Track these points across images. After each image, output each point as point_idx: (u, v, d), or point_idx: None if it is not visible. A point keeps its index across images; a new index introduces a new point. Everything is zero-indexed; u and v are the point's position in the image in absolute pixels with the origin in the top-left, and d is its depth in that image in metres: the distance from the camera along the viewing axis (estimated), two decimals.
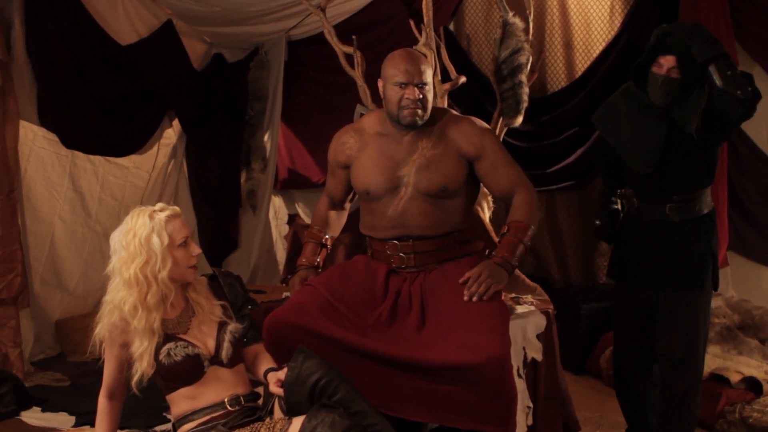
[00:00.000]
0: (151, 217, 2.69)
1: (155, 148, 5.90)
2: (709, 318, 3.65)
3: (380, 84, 3.13)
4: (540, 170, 5.61)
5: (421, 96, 3.05)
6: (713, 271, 3.52)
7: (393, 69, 3.08)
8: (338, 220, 3.50)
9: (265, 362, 2.86)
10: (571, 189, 5.68)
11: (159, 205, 2.75)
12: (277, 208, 6.51)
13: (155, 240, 2.65)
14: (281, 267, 6.18)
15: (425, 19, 4.41)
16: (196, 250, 2.77)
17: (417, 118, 3.07)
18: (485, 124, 3.21)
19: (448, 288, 3.00)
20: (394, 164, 3.10)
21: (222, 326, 2.81)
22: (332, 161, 3.33)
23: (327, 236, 3.42)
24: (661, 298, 3.51)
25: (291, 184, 6.42)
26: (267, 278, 6.29)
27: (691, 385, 3.50)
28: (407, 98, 3.04)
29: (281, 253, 6.39)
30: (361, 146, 3.19)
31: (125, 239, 2.68)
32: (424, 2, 4.48)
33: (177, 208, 2.77)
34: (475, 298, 2.90)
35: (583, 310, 5.13)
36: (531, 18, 4.65)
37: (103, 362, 2.77)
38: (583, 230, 5.71)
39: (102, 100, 5.29)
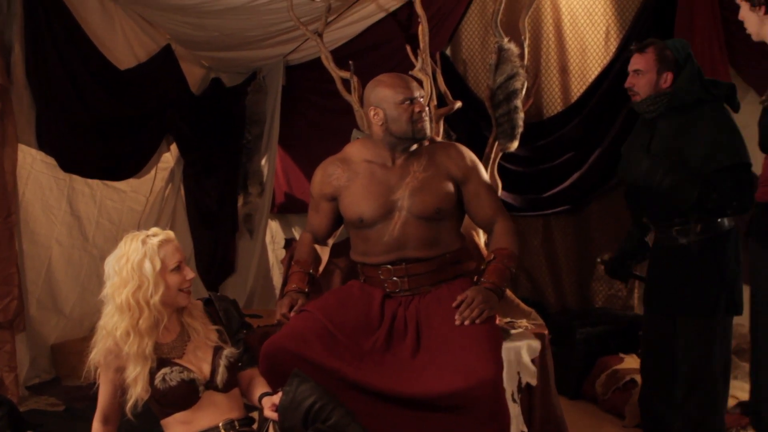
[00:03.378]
0: (144, 242, 2.70)
1: (153, 172, 5.90)
2: (730, 344, 3.61)
3: (372, 111, 3.15)
4: (536, 194, 5.65)
5: (426, 108, 3.12)
6: (730, 295, 3.46)
7: (390, 89, 3.12)
8: (322, 256, 3.45)
9: (260, 387, 2.86)
10: (567, 213, 5.72)
11: (152, 230, 2.76)
12: (274, 233, 6.51)
13: (147, 265, 2.66)
14: (278, 291, 6.16)
15: (421, 45, 4.46)
16: (189, 274, 2.78)
17: (430, 130, 3.15)
18: (471, 152, 3.27)
19: (442, 311, 3.03)
20: (387, 189, 3.13)
21: (217, 351, 2.81)
22: (317, 194, 3.31)
23: (311, 270, 3.35)
24: (678, 324, 3.52)
25: (288, 209, 6.43)
26: (264, 302, 6.28)
27: (707, 412, 3.49)
28: (418, 111, 3.11)
29: (278, 278, 6.38)
30: (350, 175, 3.20)
31: (118, 265, 2.69)
32: (420, 28, 4.53)
33: (171, 233, 2.78)
34: (467, 322, 2.92)
35: (578, 334, 5.12)
36: (526, 43, 4.69)
37: (97, 387, 2.78)
38: (579, 255, 5.74)
39: (100, 124, 5.29)
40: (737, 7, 3.09)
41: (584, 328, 5.17)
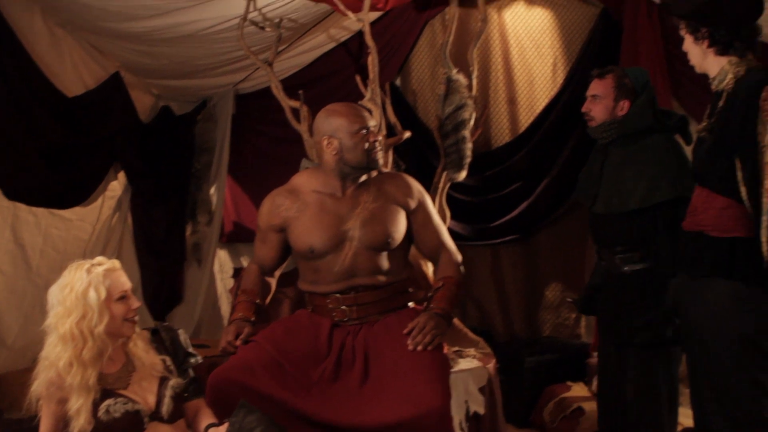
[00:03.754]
0: (88, 271, 2.68)
1: (100, 200, 5.82)
2: (676, 372, 3.62)
3: (325, 140, 3.14)
4: (484, 224, 5.69)
5: (379, 138, 3.17)
6: (674, 324, 3.43)
7: (345, 119, 3.13)
8: (268, 288, 3.42)
9: (207, 417, 2.84)
10: (515, 242, 5.76)
11: (98, 259, 2.75)
12: (222, 262, 6.47)
13: (92, 294, 2.65)
14: (226, 321, 6.11)
15: (371, 75, 4.50)
16: (135, 303, 2.76)
17: (383, 160, 3.18)
18: (418, 183, 3.32)
19: (391, 340, 3.04)
20: (338, 220, 3.14)
21: (163, 381, 2.79)
22: (265, 226, 3.29)
23: (258, 300, 3.30)
24: (622, 354, 3.55)
25: (237, 238, 6.39)
26: (211, 332, 6.22)
27: None
28: (373, 141, 3.13)
29: (226, 307, 6.33)
30: (299, 206, 3.19)
31: (62, 294, 2.67)
32: (369, 59, 4.57)
33: (116, 262, 2.77)
34: (420, 348, 2.93)
35: (526, 363, 5.17)
36: (475, 75, 4.75)
37: (39, 420, 2.73)
38: (527, 283, 5.79)
39: (46, 152, 5.21)
40: (681, 40, 3.16)
41: (532, 357, 5.22)
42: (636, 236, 3.46)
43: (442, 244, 3.28)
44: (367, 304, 3.16)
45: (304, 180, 3.27)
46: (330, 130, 3.14)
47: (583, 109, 3.64)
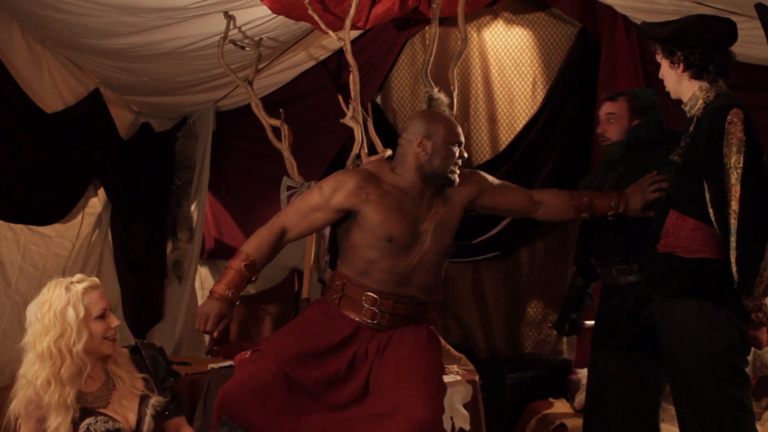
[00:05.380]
0: (67, 288, 2.68)
1: (80, 216, 5.81)
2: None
3: (419, 139, 3.15)
4: (465, 241, 5.68)
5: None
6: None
7: (447, 128, 3.20)
8: (274, 255, 3.24)
9: None
10: (496, 260, 5.81)
11: (77, 277, 2.75)
12: (203, 279, 6.46)
13: (71, 312, 2.64)
14: (207, 338, 6.12)
15: (352, 94, 4.54)
16: (114, 322, 2.76)
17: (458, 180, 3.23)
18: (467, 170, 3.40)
19: (398, 349, 3.08)
20: (416, 219, 3.16)
21: (144, 399, 2.79)
22: (328, 199, 3.15)
23: (256, 277, 3.18)
24: (611, 365, 3.56)
25: (217, 255, 6.38)
26: (192, 350, 6.21)
27: None
28: (460, 158, 3.19)
29: None
30: (381, 194, 3.14)
31: (40, 312, 2.67)
32: (351, 77, 4.60)
33: (96, 280, 2.77)
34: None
35: (508, 380, 5.21)
36: (455, 93, 4.79)
37: None
38: (508, 300, 5.83)
39: (25, 168, 5.19)
40: (658, 63, 3.22)
41: (514, 374, 5.26)
42: (634, 248, 3.49)
43: (529, 191, 3.53)
44: (400, 317, 3.17)
45: (384, 172, 3.22)
46: (428, 132, 3.16)
47: (599, 131, 3.68)
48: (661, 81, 3.23)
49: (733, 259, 2.89)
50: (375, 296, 3.12)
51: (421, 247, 3.15)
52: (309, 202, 3.19)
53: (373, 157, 4.52)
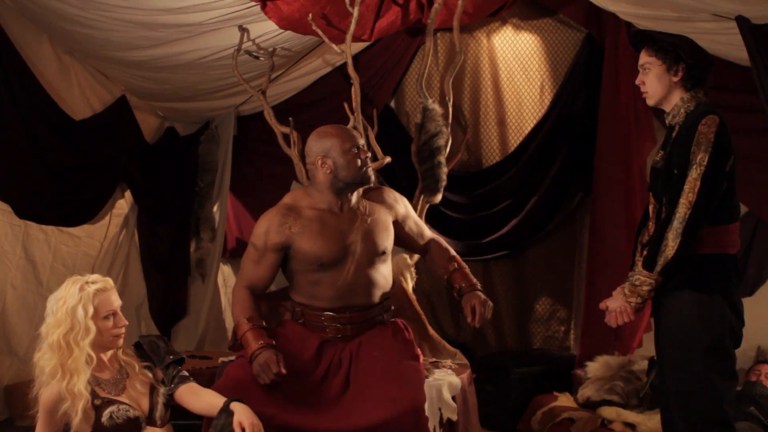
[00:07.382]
0: (81, 288, 2.84)
1: (107, 218, 5.97)
2: None
3: (319, 160, 3.25)
4: (476, 240, 5.84)
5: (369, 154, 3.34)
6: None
7: (337, 138, 3.27)
8: (261, 310, 3.35)
9: (209, 393, 3.00)
10: (505, 258, 5.92)
11: (92, 277, 2.91)
12: (225, 276, 6.59)
13: (80, 311, 2.80)
14: (229, 333, 6.26)
15: (354, 104, 4.68)
16: (122, 321, 2.92)
17: (374, 175, 3.36)
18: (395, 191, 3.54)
19: (372, 350, 3.25)
20: (341, 234, 3.26)
21: (153, 389, 2.97)
22: (264, 245, 3.29)
23: (265, 324, 3.28)
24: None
25: (239, 253, 6.41)
26: (215, 345, 6.35)
27: None
28: (364, 158, 3.28)
29: (230, 320, 6.44)
30: (303, 222, 3.26)
31: (56, 305, 2.84)
32: (353, 89, 4.75)
33: (109, 281, 2.92)
34: (488, 315, 3.37)
35: (514, 374, 5.31)
36: (450, 104, 4.93)
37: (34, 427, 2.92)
38: (517, 297, 5.94)
39: (55, 172, 5.36)
40: None
41: (520, 368, 5.36)
42: None
43: (429, 235, 3.60)
44: (360, 323, 3.32)
45: (298, 198, 3.36)
46: (323, 151, 3.26)
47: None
48: None
49: (672, 243, 3.08)
50: (332, 314, 3.29)
51: (353, 258, 3.27)
52: (251, 256, 3.35)
53: (373, 165, 4.67)
